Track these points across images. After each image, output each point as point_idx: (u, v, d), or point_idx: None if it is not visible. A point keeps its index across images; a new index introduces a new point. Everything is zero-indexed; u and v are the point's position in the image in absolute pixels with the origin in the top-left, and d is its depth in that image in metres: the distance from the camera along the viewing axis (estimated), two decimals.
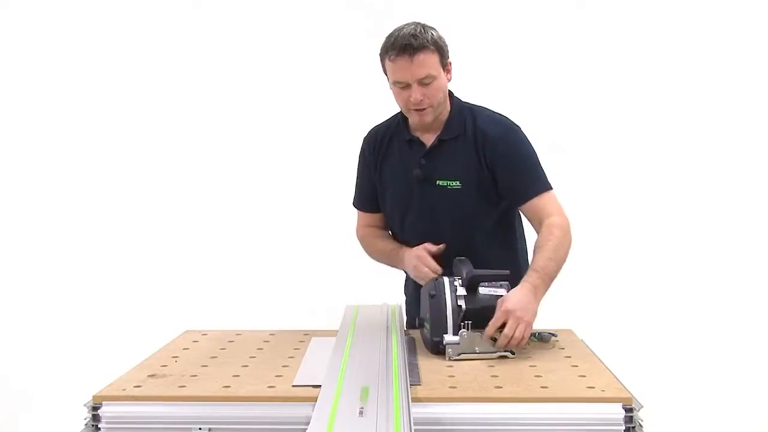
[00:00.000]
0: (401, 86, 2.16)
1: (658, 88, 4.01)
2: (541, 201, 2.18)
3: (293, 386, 1.75)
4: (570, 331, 2.21)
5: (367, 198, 2.45)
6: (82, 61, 4.15)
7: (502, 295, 1.99)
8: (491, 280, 2.03)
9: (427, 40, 2.11)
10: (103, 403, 1.71)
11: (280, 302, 3.81)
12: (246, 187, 4.12)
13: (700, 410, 3.49)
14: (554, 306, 2.31)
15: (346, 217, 2.57)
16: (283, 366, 1.92)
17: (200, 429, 1.67)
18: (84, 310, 4.01)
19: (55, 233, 4.15)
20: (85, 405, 1.72)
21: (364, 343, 2.04)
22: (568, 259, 2.11)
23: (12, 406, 3.71)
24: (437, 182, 2.26)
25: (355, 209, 2.51)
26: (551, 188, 2.22)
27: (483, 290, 2.01)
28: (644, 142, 4.03)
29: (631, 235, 3.99)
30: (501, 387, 1.73)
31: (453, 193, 2.25)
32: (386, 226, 2.45)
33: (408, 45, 2.09)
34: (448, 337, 1.95)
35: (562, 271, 2.09)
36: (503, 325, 1.93)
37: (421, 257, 2.21)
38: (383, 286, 2.61)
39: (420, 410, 1.59)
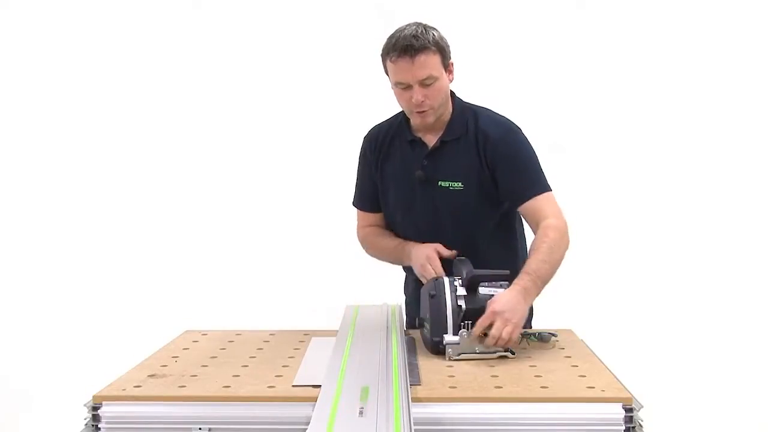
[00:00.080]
0: (402, 87, 2.15)
1: (658, 89, 4.01)
2: (538, 202, 2.17)
3: (293, 386, 1.75)
4: (570, 331, 2.21)
5: (367, 197, 2.45)
6: (82, 61, 4.15)
7: None
8: (491, 280, 2.02)
9: (429, 41, 2.10)
10: (103, 403, 1.71)
11: (280, 302, 3.81)
12: (246, 187, 4.12)
13: (700, 410, 3.49)
14: (554, 306, 2.32)
15: (346, 217, 2.56)
16: (283, 366, 1.92)
17: (200, 429, 1.67)
18: (84, 310, 4.00)
19: (56, 233, 4.15)
20: (85, 405, 1.72)
21: (364, 343, 2.04)
22: (568, 260, 2.11)
23: (12, 406, 3.71)
24: (439, 183, 2.25)
25: (356, 209, 2.50)
26: (550, 190, 2.21)
27: (483, 290, 2.01)
28: (644, 142, 4.03)
29: (631, 235, 3.99)
30: (501, 387, 1.73)
31: (455, 194, 2.24)
32: (387, 225, 2.44)
33: (409, 46, 2.09)
34: (448, 337, 1.95)
35: (562, 271, 2.09)
36: (492, 326, 1.92)
37: (431, 258, 2.19)
38: (383, 286, 2.61)
39: (420, 410, 1.59)
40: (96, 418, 1.70)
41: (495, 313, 1.92)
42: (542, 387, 1.73)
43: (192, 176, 4.15)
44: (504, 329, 1.90)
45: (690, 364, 3.71)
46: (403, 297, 2.55)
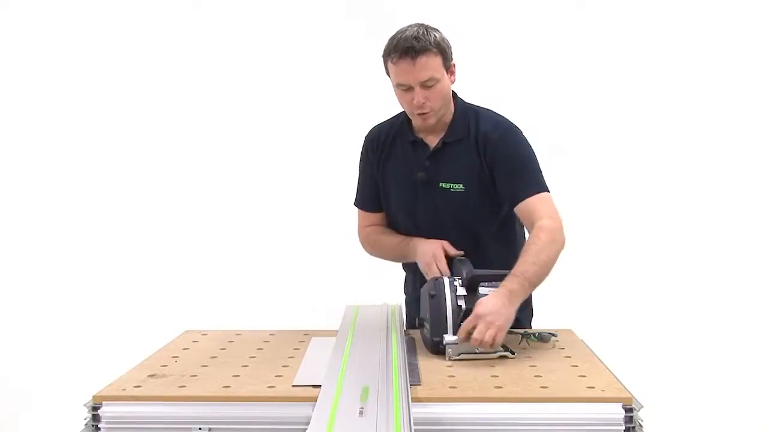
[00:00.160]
0: (404, 89, 2.15)
1: (658, 89, 4.01)
2: (533, 203, 2.15)
3: (293, 386, 1.75)
4: (570, 331, 2.21)
5: (369, 197, 2.44)
6: (82, 61, 4.15)
7: None
8: (491, 280, 2.02)
9: (430, 42, 2.10)
10: (103, 403, 1.70)
11: (280, 302, 3.81)
12: (246, 188, 4.12)
13: (700, 410, 3.50)
14: (554, 306, 2.32)
15: (346, 217, 2.56)
16: (283, 366, 1.92)
17: (200, 429, 1.67)
18: (84, 310, 4.00)
19: (55, 234, 4.15)
20: (85, 405, 1.72)
21: (364, 343, 2.03)
22: (568, 260, 2.10)
23: (12, 406, 3.71)
24: (440, 185, 2.25)
25: (357, 209, 2.49)
26: (547, 191, 2.19)
27: (483, 290, 2.01)
28: (644, 143, 4.03)
29: (631, 235, 3.99)
30: (501, 387, 1.73)
31: (456, 196, 2.24)
32: (388, 225, 2.43)
33: (410, 47, 2.08)
34: (448, 337, 1.95)
35: (562, 271, 2.08)
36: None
37: (438, 257, 2.18)
38: (383, 286, 2.60)
39: (420, 410, 1.59)
40: (96, 418, 1.70)
41: (478, 317, 1.90)
42: (542, 387, 1.73)
43: (192, 176, 4.15)
44: (487, 332, 1.88)
45: (690, 364, 3.71)
46: (403, 297, 2.55)
